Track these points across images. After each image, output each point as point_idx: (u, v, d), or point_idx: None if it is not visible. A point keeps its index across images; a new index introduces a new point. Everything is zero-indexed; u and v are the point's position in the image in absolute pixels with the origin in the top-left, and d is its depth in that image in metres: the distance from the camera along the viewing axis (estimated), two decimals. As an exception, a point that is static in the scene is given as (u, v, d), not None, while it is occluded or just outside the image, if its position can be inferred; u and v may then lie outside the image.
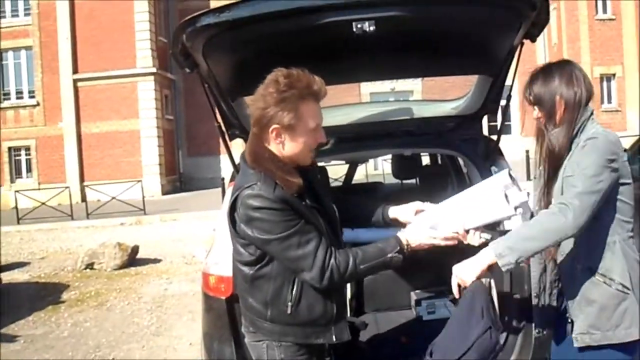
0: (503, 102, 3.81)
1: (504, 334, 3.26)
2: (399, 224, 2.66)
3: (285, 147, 2.32)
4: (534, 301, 2.83)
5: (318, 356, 2.48)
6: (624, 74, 28.05)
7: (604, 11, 28.45)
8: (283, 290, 2.34)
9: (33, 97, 28.41)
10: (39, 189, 24.07)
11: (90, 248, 11.12)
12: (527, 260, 3.05)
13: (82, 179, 27.38)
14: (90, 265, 10.49)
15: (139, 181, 21.92)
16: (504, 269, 2.37)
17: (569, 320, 2.62)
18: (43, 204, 20.22)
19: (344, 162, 6.30)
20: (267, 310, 2.37)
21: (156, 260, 11.04)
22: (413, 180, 5.88)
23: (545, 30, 3.37)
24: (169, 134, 29.89)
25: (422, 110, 4.38)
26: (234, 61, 3.23)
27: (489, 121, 4.41)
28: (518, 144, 25.39)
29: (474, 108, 3.89)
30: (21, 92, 28.65)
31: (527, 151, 20.21)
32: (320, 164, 2.89)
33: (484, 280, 2.45)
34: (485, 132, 4.34)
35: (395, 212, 2.71)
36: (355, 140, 3.97)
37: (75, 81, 27.72)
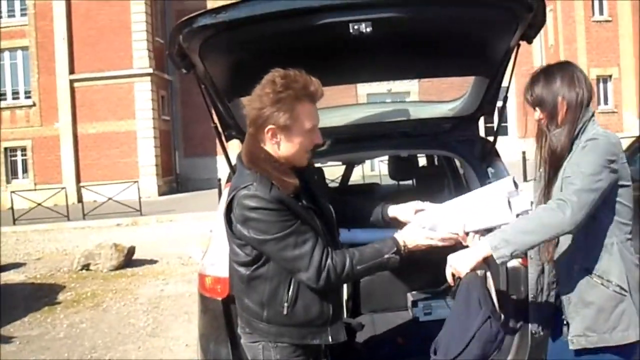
0: (500, 104, 3.81)
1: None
2: (398, 223, 2.66)
3: (281, 147, 2.31)
4: (531, 302, 2.83)
5: (314, 357, 2.48)
6: (621, 75, 28.14)
7: (601, 13, 28.54)
8: (279, 291, 2.34)
9: (29, 97, 28.37)
10: (35, 190, 24.02)
11: (86, 249, 11.09)
12: (524, 261, 3.07)
13: (78, 180, 27.34)
14: (86, 266, 10.47)
15: (135, 182, 21.91)
16: (498, 262, 2.37)
17: (565, 322, 2.62)
18: (39, 204, 20.17)
19: (340, 163, 6.31)
20: (263, 310, 2.36)
21: (152, 261, 11.03)
22: (410, 182, 5.88)
23: (542, 31, 3.38)
24: (166, 135, 29.86)
25: (419, 111, 4.38)
26: (230, 62, 3.23)
27: (485, 122, 4.41)
28: (515, 145, 25.49)
29: (471, 109, 3.89)
30: (17, 93, 28.61)
31: (524, 152, 20.25)
32: (316, 164, 2.88)
33: (479, 272, 2.45)
34: (482, 133, 4.34)
35: (394, 211, 2.70)
36: (352, 141, 3.97)
37: (71, 82, 27.69)
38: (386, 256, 2.36)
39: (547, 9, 3.08)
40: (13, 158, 28.55)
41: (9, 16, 28.41)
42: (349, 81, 4.44)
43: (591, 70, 27.15)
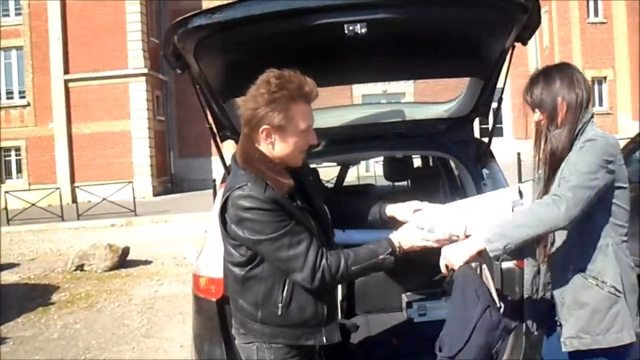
0: (495, 105, 3.82)
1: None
2: (395, 222, 2.65)
3: (275, 147, 2.31)
4: (526, 302, 2.83)
5: (309, 358, 2.48)
6: (615, 77, 28.23)
7: (596, 14, 28.63)
8: (274, 292, 2.33)
9: (24, 97, 28.29)
10: (29, 190, 23.95)
11: (80, 249, 11.06)
12: (519, 263, 3.08)
13: (72, 180, 27.26)
14: (80, 267, 10.43)
15: (130, 182, 21.85)
16: (491, 254, 2.38)
17: (558, 324, 2.62)
18: (33, 204, 20.11)
19: (335, 164, 6.31)
20: (258, 311, 2.36)
21: (147, 262, 11.01)
22: (405, 183, 5.89)
23: (537, 33, 3.39)
24: (161, 135, 29.82)
25: (414, 112, 4.38)
26: (225, 62, 3.23)
27: (480, 124, 4.42)
28: (510, 146, 25.52)
29: (466, 110, 3.90)
30: (11, 92, 28.53)
31: (519, 154, 20.26)
32: (311, 165, 2.88)
33: (473, 264, 2.45)
34: (477, 134, 4.35)
35: (392, 210, 2.70)
36: (347, 142, 3.97)
37: (66, 82, 27.63)
38: (381, 257, 2.36)
39: (542, 10, 3.10)
40: (7, 158, 28.46)
41: (4, 16, 28.33)
42: (344, 82, 4.44)
43: (586, 71, 27.20)
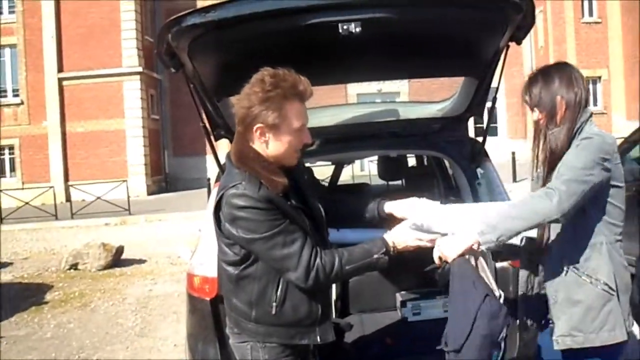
0: (489, 104, 3.82)
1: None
2: (394, 219, 2.66)
3: (269, 146, 2.31)
4: (521, 300, 2.84)
5: (303, 357, 2.48)
6: (610, 76, 28.31)
7: (590, 14, 28.70)
8: (268, 291, 2.33)
9: (17, 95, 28.17)
10: (23, 189, 23.87)
11: (74, 248, 11.04)
12: (513, 263, 3.09)
13: (66, 179, 27.18)
14: (74, 266, 10.41)
15: (124, 181, 21.80)
16: (484, 247, 2.40)
17: (550, 322, 2.63)
18: (27, 203, 20.06)
19: (330, 163, 6.31)
20: (252, 310, 2.36)
21: (141, 261, 10.99)
22: (399, 182, 5.89)
23: (532, 32, 3.40)
24: (155, 134, 29.76)
25: (409, 111, 4.38)
26: (219, 61, 3.22)
27: (475, 123, 4.43)
28: (504, 145, 25.58)
29: (460, 110, 3.90)
30: (5, 91, 28.38)
31: (514, 153, 20.33)
32: (306, 164, 2.88)
33: (467, 256, 2.46)
34: (472, 134, 4.35)
35: (391, 207, 2.70)
36: (342, 141, 3.97)
37: (60, 80, 27.52)
38: (375, 256, 2.36)
39: (537, 10, 3.11)
40: (1, 157, 28.35)
41: (-3, 13, 28.23)
42: (338, 81, 4.44)
43: (580, 71, 27.27)
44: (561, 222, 2.43)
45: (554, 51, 28.16)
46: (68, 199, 24.10)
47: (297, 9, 2.79)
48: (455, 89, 4.00)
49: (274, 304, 2.33)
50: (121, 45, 27.68)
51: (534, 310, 2.81)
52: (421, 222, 2.49)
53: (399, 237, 2.43)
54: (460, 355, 2.42)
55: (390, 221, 2.67)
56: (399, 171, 5.56)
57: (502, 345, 2.48)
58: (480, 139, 3.95)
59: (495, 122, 29.51)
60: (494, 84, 3.63)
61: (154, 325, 6.89)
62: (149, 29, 29.03)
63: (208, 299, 3.26)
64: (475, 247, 2.41)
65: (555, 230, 2.57)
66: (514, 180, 18.50)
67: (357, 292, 4.33)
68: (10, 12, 28.14)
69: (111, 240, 11.34)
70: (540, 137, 2.62)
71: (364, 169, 21.38)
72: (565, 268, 2.51)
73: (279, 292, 2.33)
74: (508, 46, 3.27)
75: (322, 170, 7.94)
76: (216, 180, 3.80)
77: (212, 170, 23.08)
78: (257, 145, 2.32)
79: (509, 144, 26.94)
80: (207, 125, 3.60)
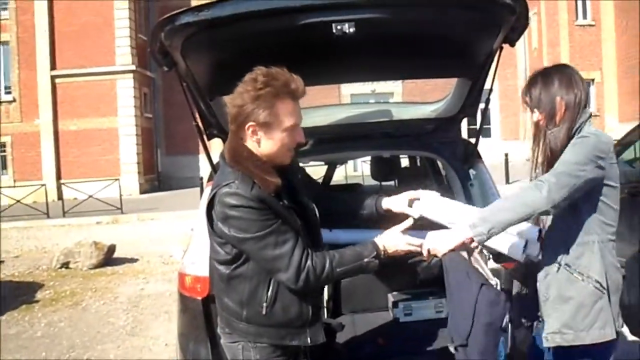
0: (482, 105, 3.83)
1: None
2: (392, 215, 2.68)
3: (261, 144, 2.31)
4: (515, 297, 2.85)
5: (294, 357, 2.48)
6: (603, 79, 28.41)
7: (584, 17, 28.79)
8: (258, 291, 2.33)
9: (9, 92, 28.04)
10: (15, 187, 23.76)
11: (66, 247, 11.00)
12: (506, 264, 3.10)
13: (58, 177, 27.07)
14: (65, 264, 10.38)
15: (116, 179, 21.73)
16: (476, 239, 2.41)
17: (540, 319, 2.64)
18: (18, 201, 19.97)
19: (322, 163, 6.30)
20: (243, 310, 2.36)
21: (133, 260, 10.95)
22: (392, 182, 5.89)
23: (526, 34, 3.42)
24: (148, 133, 29.68)
25: (402, 112, 4.39)
26: (212, 60, 3.22)
27: (469, 124, 4.43)
28: (497, 147, 25.63)
29: (453, 111, 3.91)
30: (-3, 88, 28.28)
31: (507, 154, 20.38)
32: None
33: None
34: (465, 135, 4.36)
35: (388, 202, 2.73)
36: (335, 141, 3.97)
37: (52, 77, 27.41)
38: (366, 260, 2.37)
39: (531, 12, 3.13)
40: (-7, 154, 28.25)
41: (-10, 10, 28.10)
42: (332, 81, 4.44)
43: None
44: (551, 213, 2.46)
45: (547, 53, 28.24)
46: (60, 197, 23.99)
47: (290, 8, 2.78)
48: (449, 90, 4.00)
49: (265, 304, 2.33)
50: (114, 44, 27.59)
51: (527, 308, 2.82)
52: (422, 212, 2.50)
53: (390, 241, 2.44)
54: (468, 348, 2.43)
55: (388, 218, 2.68)
56: (391, 172, 5.57)
57: (509, 330, 2.49)
58: (473, 140, 3.96)
59: (489, 124, 29.59)
60: (487, 86, 3.64)
61: (145, 325, 6.87)
62: (143, 27, 28.95)
63: (199, 298, 3.25)
64: (467, 242, 2.42)
65: (547, 229, 2.59)
66: (507, 181, 18.53)
67: (349, 293, 4.33)
68: (3, 9, 28.01)
69: (103, 239, 11.31)
70: (539, 138, 2.64)
71: (357, 170, 21.41)
72: (557, 265, 2.52)
73: (269, 293, 2.32)
74: (502, 48, 3.28)
75: (315, 170, 7.95)
76: (209, 180, 3.79)
77: (204, 169, 23.07)
78: (250, 143, 2.32)
79: (502, 145, 26.99)
80: (200, 124, 3.59)
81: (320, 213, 2.55)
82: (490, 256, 3.04)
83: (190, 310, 3.36)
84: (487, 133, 28.82)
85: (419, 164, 5.75)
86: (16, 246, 13.78)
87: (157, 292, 8.37)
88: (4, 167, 28.14)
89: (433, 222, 2.73)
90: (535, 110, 2.62)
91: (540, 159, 2.63)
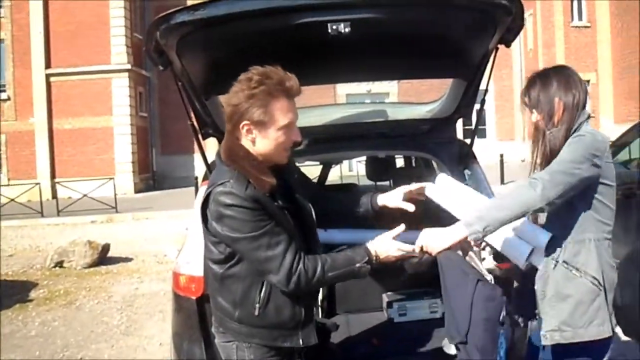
0: (477, 106, 3.84)
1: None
2: (388, 212, 2.71)
3: (256, 143, 2.31)
4: (514, 294, 2.87)
5: (288, 357, 2.47)
6: (598, 80, 28.47)
7: (580, 18, 28.85)
8: (251, 292, 2.33)
9: (4, 91, 27.92)
10: (9, 185, 23.69)
11: (60, 246, 10.95)
12: (501, 265, 3.10)
13: (53, 176, 26.98)
14: (59, 264, 10.34)
15: (111, 179, 21.65)
16: (471, 238, 2.43)
17: (537, 317, 2.64)
18: (12, 200, 19.89)
19: (318, 163, 6.29)
20: (236, 310, 2.36)
21: (127, 259, 10.93)
22: (387, 182, 5.88)
23: (521, 35, 3.43)
24: (143, 132, 29.62)
25: (397, 112, 4.39)
26: (207, 60, 3.21)
27: (464, 125, 4.44)
28: (493, 147, 25.65)
29: (449, 111, 3.91)
30: (-8, 86, 28.19)
31: (502, 155, 20.38)
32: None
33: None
34: (461, 135, 4.36)
35: (383, 199, 2.74)
36: (330, 141, 3.97)
37: (47, 76, 27.31)
38: (357, 265, 2.37)
39: (527, 13, 3.14)
40: (-13, 153, 28.14)
41: (-15, 8, 27.99)
42: (327, 81, 4.45)
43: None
44: (546, 210, 2.47)
45: (543, 54, 28.30)
46: (54, 196, 23.89)
47: (286, 8, 2.78)
48: (444, 90, 4.01)
49: (257, 305, 2.32)
50: (110, 42, 27.51)
51: (525, 306, 2.84)
52: (432, 194, 2.53)
53: (381, 247, 2.44)
54: (467, 345, 2.44)
55: (384, 217, 2.70)
56: (387, 172, 5.57)
57: (507, 324, 2.50)
58: (468, 140, 3.96)
59: (484, 124, 29.63)
60: (482, 86, 3.64)
61: (139, 324, 6.86)
62: (138, 26, 28.90)
63: (194, 297, 3.25)
64: (462, 241, 2.44)
65: (545, 226, 2.60)
66: (502, 182, 18.53)
67: (343, 293, 4.32)
68: (-3, 7, 27.93)
69: (97, 238, 11.28)
70: (539, 139, 2.66)
71: (352, 170, 21.39)
72: (554, 262, 2.53)
73: (262, 294, 2.32)
74: (497, 48, 3.28)
75: (310, 170, 7.95)
76: (203, 179, 3.78)
77: (199, 169, 23.00)
78: (245, 142, 2.32)
79: (498, 146, 27.02)
80: (195, 123, 3.59)
81: (315, 213, 2.55)
82: (484, 257, 3.05)
83: (185, 310, 3.35)
84: (482, 134, 28.85)
85: (414, 164, 5.75)
86: (10, 245, 13.72)
87: (152, 292, 8.35)
88: (-2, 165, 28.04)
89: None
90: (534, 111, 2.64)
91: (539, 160, 2.65)
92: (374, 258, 2.40)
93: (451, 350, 3.33)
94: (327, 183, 6.69)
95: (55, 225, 17.62)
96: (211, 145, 3.87)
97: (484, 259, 3.15)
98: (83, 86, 27.29)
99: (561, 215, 2.52)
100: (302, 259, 2.28)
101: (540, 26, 28.75)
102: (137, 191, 27.09)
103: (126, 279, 9.39)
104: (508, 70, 29.68)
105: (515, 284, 2.88)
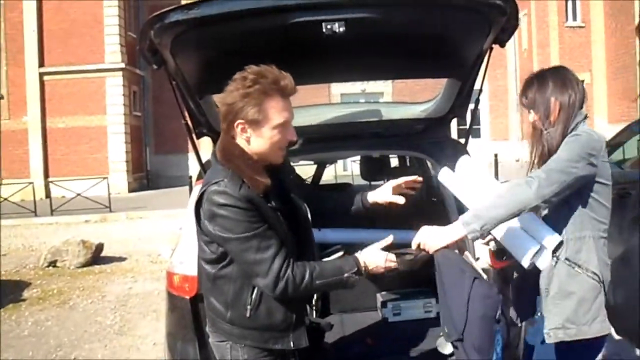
0: (472, 106, 3.84)
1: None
2: (380, 208, 2.74)
3: (251, 142, 2.30)
4: (513, 292, 2.88)
5: (282, 357, 2.46)
6: (592, 80, 28.53)
7: (574, 18, 28.91)
8: (243, 293, 2.33)
9: (-3, 90, 27.84)
10: (2, 184, 23.52)
11: (53, 245, 10.90)
12: (493, 263, 3.12)
13: (46, 175, 26.85)
14: (53, 263, 10.30)
15: (105, 178, 21.58)
16: (470, 237, 2.46)
17: (538, 314, 2.65)
18: (5, 199, 19.81)
19: (312, 162, 6.29)
20: (227, 311, 2.36)
21: (121, 259, 10.89)
22: (381, 182, 5.89)
23: (516, 35, 3.44)
24: (137, 131, 29.54)
25: (392, 112, 4.40)
26: (202, 59, 3.21)
27: (458, 124, 4.45)
28: (487, 147, 25.69)
29: (443, 111, 3.91)
30: (-15, 85, 28.05)
31: (496, 155, 20.41)
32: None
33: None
34: (455, 135, 4.37)
35: (373, 196, 2.76)
36: (324, 140, 3.97)
37: (41, 75, 27.18)
38: (346, 275, 2.36)
39: (522, 13, 3.15)
40: (-21, 151, 28.00)
41: (-23, 7, 27.86)
42: (322, 80, 4.45)
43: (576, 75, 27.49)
44: (542, 208, 2.48)
45: (537, 54, 28.36)
46: (48, 195, 23.74)
47: (280, 7, 2.78)
48: (439, 90, 4.01)
49: (249, 307, 2.32)
50: (104, 41, 27.41)
51: (523, 303, 2.85)
52: (444, 179, 2.64)
53: (370, 258, 2.43)
54: (464, 343, 2.45)
55: (377, 213, 2.74)
56: (381, 171, 5.57)
57: (503, 322, 2.51)
58: (463, 140, 3.97)
59: (478, 124, 29.67)
60: (477, 86, 3.65)
61: (133, 324, 6.84)
62: (132, 25, 28.82)
63: (188, 297, 3.24)
64: (460, 239, 2.47)
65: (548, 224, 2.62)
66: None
67: (337, 292, 4.33)
68: (-9, 6, 27.80)
69: (91, 238, 11.24)
70: (536, 138, 2.69)
71: (346, 169, 21.40)
72: (556, 260, 2.54)
73: (254, 296, 2.32)
74: (492, 48, 3.29)
75: (305, 170, 7.95)
76: (197, 178, 3.78)
77: (193, 168, 23.02)
78: (240, 141, 2.31)
79: (492, 145, 27.08)
80: (189, 122, 3.58)
81: (310, 212, 2.55)
82: (479, 257, 3.05)
83: (179, 310, 3.35)
84: (476, 133, 28.89)
85: (408, 164, 5.76)
86: (3, 244, 13.61)
87: (145, 291, 8.33)
88: (-9, 164, 27.92)
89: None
90: (532, 111, 2.67)
91: (537, 159, 2.68)
92: (363, 269, 2.40)
93: (445, 349, 3.34)
94: (321, 183, 6.70)
95: (48, 224, 17.56)
96: (205, 145, 3.87)
97: (478, 258, 3.15)
98: (77, 85, 27.19)
99: (559, 213, 2.55)
100: (291, 265, 2.26)
101: (534, 26, 28.82)
102: (131, 190, 27.02)
103: (120, 278, 9.36)
104: (502, 70, 29.74)
105: (514, 282, 2.88)
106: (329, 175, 12.53)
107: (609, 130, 23.65)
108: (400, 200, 2.71)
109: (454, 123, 4.17)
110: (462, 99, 3.75)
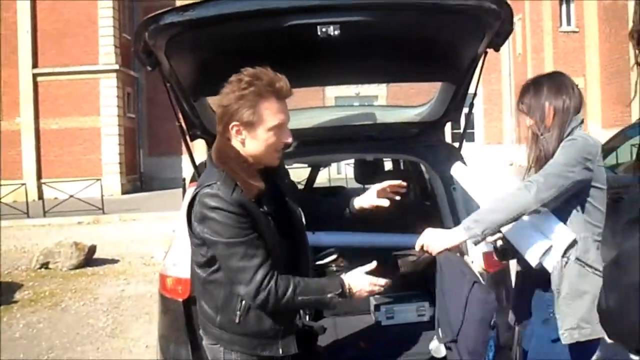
0: (466, 110, 3.85)
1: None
2: (367, 212, 2.75)
3: (246, 144, 2.30)
4: (514, 292, 2.89)
5: (275, 360, 2.46)
6: (586, 85, 28.62)
7: (568, 23, 29.02)
8: (232, 299, 2.32)
9: (-10, 90, 27.72)
10: (-3, 185, 23.50)
11: (45, 247, 10.85)
12: (487, 266, 3.13)
13: (39, 176, 26.73)
14: (45, 265, 10.25)
15: (98, 180, 21.54)
16: (471, 241, 2.52)
17: (550, 315, 2.65)
18: (-2, 200, 19.74)
19: (306, 165, 6.30)
20: (217, 316, 2.35)
21: (114, 261, 10.85)
22: (375, 185, 5.89)
23: (510, 40, 3.45)
24: (130, 133, 29.48)
25: (386, 115, 4.40)
26: (196, 61, 3.20)
27: (452, 128, 4.46)
28: (481, 151, 25.75)
29: (437, 115, 3.92)
30: (-22, 86, 27.93)
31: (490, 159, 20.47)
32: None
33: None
34: (449, 139, 4.38)
35: (359, 202, 2.76)
36: (318, 143, 3.97)
37: (35, 75, 27.09)
38: (329, 295, 2.35)
39: (516, 18, 3.17)
40: (-28, 152, 27.87)
41: (-29, 7, 27.76)
42: (316, 83, 4.45)
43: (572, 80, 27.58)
44: (542, 212, 2.49)
45: (531, 59, 28.44)
46: (40, 196, 23.63)
47: (275, 10, 2.78)
48: (433, 94, 4.02)
49: (238, 312, 2.31)
50: (98, 42, 27.35)
51: (522, 303, 2.86)
52: (456, 174, 2.53)
53: (354, 281, 2.42)
54: (458, 344, 2.46)
55: (366, 218, 2.73)
56: (375, 175, 5.57)
57: (497, 328, 2.53)
58: (457, 144, 3.97)
59: (473, 128, 29.73)
60: (471, 90, 3.66)
61: (125, 326, 6.81)
62: (127, 27, 28.76)
63: (180, 300, 3.24)
64: (462, 243, 2.51)
65: None
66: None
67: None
68: (-16, 6, 27.70)
69: (84, 239, 11.19)
70: (533, 143, 2.72)
71: (340, 172, 21.41)
72: (565, 260, 2.56)
73: (243, 302, 2.31)
74: (486, 52, 3.30)
75: (298, 173, 7.95)
76: (191, 181, 3.77)
77: (187, 170, 22.90)
78: (235, 143, 2.31)
79: (486, 149, 27.15)
80: (183, 125, 3.57)
81: (304, 216, 2.55)
82: (472, 261, 3.05)
83: (171, 312, 3.34)
84: (470, 137, 28.96)
85: (402, 167, 5.77)
86: (-5, 246, 13.62)
87: (138, 294, 8.30)
88: (-16, 165, 27.79)
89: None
90: (528, 115, 2.70)
91: (533, 163, 2.71)
92: (347, 291, 2.39)
93: (439, 353, 3.33)
94: (315, 186, 6.70)
95: (41, 226, 17.48)
96: (199, 147, 3.86)
97: (472, 262, 3.16)
98: (70, 86, 27.12)
99: (559, 216, 2.56)
100: (275, 277, 2.25)
101: (529, 31, 28.91)
102: (124, 192, 26.95)
103: (112, 280, 9.32)
104: (497, 74, 29.82)
105: (516, 282, 2.90)
106: (323, 178, 12.55)
107: (602, 135, 23.73)
108: (385, 202, 2.71)
109: (448, 127, 4.17)
110: (456, 102, 3.76)
